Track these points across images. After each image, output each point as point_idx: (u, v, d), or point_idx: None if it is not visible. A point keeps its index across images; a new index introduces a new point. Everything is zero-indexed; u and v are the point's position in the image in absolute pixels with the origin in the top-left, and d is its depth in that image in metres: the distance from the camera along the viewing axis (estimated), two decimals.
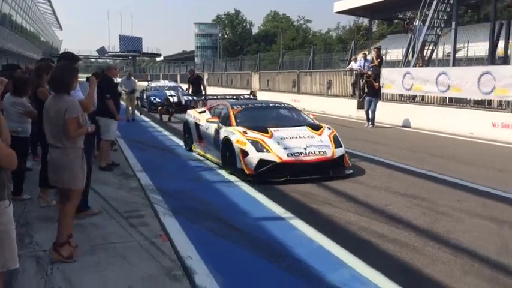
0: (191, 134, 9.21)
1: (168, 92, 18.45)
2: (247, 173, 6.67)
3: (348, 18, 66.15)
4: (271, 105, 8.94)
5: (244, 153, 6.75)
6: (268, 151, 6.71)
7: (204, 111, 9.10)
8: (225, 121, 7.87)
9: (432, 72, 13.15)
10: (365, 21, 56.07)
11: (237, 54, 55.03)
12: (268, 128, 7.27)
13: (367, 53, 17.69)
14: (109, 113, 7.33)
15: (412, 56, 15.95)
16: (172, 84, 22.03)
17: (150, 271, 3.68)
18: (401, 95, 14.55)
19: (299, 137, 7.14)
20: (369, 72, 14.09)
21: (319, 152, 6.87)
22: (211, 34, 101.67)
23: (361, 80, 15.40)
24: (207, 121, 8.29)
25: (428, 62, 16.37)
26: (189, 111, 9.89)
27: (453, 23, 15.55)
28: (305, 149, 6.84)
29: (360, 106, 14.90)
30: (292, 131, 7.35)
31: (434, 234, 4.59)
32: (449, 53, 17.44)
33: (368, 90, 13.70)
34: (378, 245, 4.33)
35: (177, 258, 3.94)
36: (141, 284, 3.48)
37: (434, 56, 17.32)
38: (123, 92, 14.17)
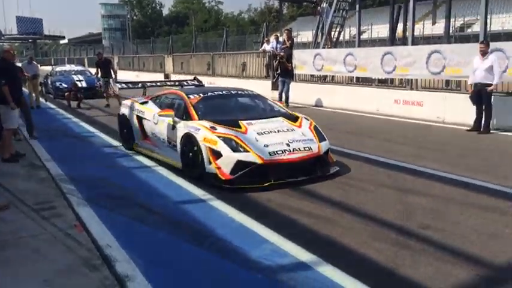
0: (131, 130, 7.66)
1: (75, 77, 17.55)
2: (222, 178, 5.48)
3: (259, 0, 66.63)
4: (233, 92, 7.46)
5: (216, 154, 5.57)
6: (245, 150, 5.54)
7: (146, 102, 7.64)
8: (182, 114, 6.52)
9: (340, 53, 13.75)
10: (276, 3, 56.88)
11: (148, 37, 53.22)
12: (240, 121, 6.10)
13: (279, 35, 18.00)
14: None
15: (321, 38, 16.54)
16: (79, 68, 20.96)
17: (67, 263, 3.53)
18: (312, 76, 15.10)
19: (278, 130, 6.04)
20: (282, 54, 14.40)
21: (304, 148, 5.82)
22: (119, 15, 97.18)
23: (274, 61, 15.69)
24: (159, 115, 6.70)
25: (336, 44, 17.08)
26: (125, 102, 8.26)
27: (357, 6, 16.30)
28: (288, 145, 5.75)
29: (274, 87, 15.21)
30: (268, 123, 6.21)
31: (347, 206, 4.88)
32: (355, 34, 18.31)
33: (281, 71, 14.02)
34: (296, 219, 4.52)
35: (94, 248, 3.81)
36: (57, 277, 3.33)
37: (341, 37, 18.09)
38: (26, 76, 13.16)
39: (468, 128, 9.14)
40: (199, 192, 5.43)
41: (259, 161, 5.47)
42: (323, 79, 14.99)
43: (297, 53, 15.26)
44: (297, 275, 3.37)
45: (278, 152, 5.62)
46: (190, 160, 5.95)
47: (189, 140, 5.96)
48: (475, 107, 9.05)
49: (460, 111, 9.80)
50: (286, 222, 4.47)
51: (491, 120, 8.96)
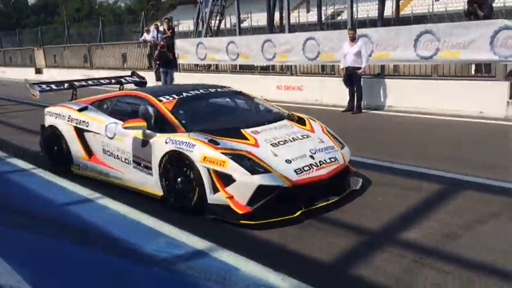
0: (67, 147, 5.84)
1: None
2: (238, 211, 4.09)
3: None
4: (212, 90, 5.84)
5: (225, 179, 4.13)
6: (266, 170, 4.16)
7: (86, 108, 5.88)
8: (156, 124, 4.89)
9: (222, 42, 13.94)
10: None
11: (13, 28, 48.39)
12: (242, 130, 4.68)
13: (159, 24, 17.66)
14: None
15: (202, 27, 16.58)
16: None
17: None
18: (197, 65, 15.11)
19: (292, 139, 4.70)
20: (162, 43, 14.16)
21: (330, 159, 4.60)
22: None
23: (155, 51, 15.39)
24: (124, 127, 4.90)
25: (217, 32, 17.24)
26: (52, 109, 6.25)
27: None
28: (312, 157, 4.49)
29: (158, 78, 14.93)
30: (276, 130, 4.83)
31: None
32: (235, 23, 18.63)
33: (162, 61, 13.79)
34: None
35: None
36: None
37: (222, 26, 18.32)
38: None
39: (343, 109, 9.91)
40: (86, 191, 5.17)
41: (286, 184, 4.14)
42: (207, 68, 15.08)
43: (179, 42, 15.13)
44: (194, 263, 3.43)
45: (305, 169, 4.32)
46: (180, 188, 4.48)
47: (177, 160, 4.44)
48: (348, 89, 9.84)
49: (335, 93, 10.55)
50: (179, 214, 4.47)
51: (362, 100, 9.81)
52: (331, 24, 24.36)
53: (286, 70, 12.56)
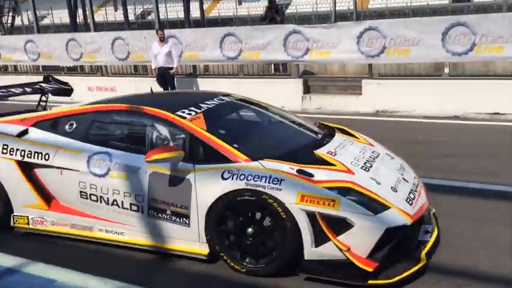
0: (5, 192, 3.99)
1: None
2: (367, 268, 2.91)
3: None
4: (228, 99, 4.28)
5: (337, 224, 2.95)
6: (382, 205, 3.05)
7: (26, 132, 4.06)
8: (191, 154, 3.41)
9: (19, 40, 12.70)
10: None
11: None
12: (316, 152, 3.48)
13: None
14: None
15: None
16: None
17: None
18: None
19: (371, 158, 3.64)
20: None
21: (415, 178, 3.69)
22: None
23: None
24: (150, 160, 3.26)
25: (11, 30, 15.57)
26: None
27: None
28: (405, 180, 3.50)
29: None
30: (348, 148, 3.71)
31: None
32: (33, 20, 17.06)
33: None
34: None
35: None
36: None
37: (19, 23, 16.59)
38: None
39: None
40: None
41: (409, 221, 3.08)
42: (4, 69, 13.53)
43: None
44: (3, 282, 3.18)
45: (411, 197, 3.31)
46: (252, 242, 3.16)
47: (249, 203, 3.12)
48: (162, 89, 9.97)
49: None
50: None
51: None
52: (142, 24, 24.13)
53: (97, 71, 12.07)
